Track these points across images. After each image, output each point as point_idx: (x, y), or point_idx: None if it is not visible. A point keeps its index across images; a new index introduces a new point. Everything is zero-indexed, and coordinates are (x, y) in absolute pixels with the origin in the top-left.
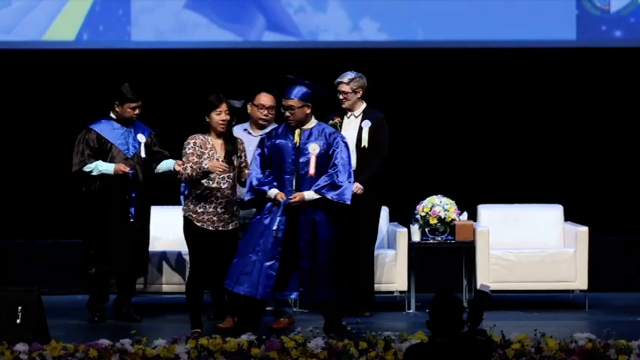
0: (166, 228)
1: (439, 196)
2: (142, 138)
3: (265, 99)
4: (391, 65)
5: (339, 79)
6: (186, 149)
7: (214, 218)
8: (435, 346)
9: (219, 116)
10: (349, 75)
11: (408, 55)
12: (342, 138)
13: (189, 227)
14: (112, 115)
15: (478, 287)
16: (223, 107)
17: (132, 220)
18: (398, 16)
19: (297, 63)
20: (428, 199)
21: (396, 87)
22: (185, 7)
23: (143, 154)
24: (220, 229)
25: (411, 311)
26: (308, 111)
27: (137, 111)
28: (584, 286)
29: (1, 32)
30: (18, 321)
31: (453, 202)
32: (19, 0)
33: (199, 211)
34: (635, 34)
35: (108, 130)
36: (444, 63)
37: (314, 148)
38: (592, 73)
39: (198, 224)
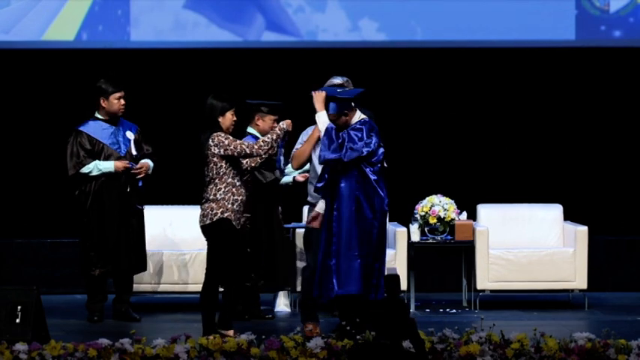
0: (165, 228)
1: (438, 195)
2: (130, 135)
3: None
4: (390, 65)
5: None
6: (230, 138)
7: (241, 216)
8: (379, 346)
9: (233, 117)
10: (336, 80)
11: (407, 54)
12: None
13: (228, 228)
14: (98, 115)
15: (386, 273)
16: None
17: (140, 207)
18: (397, 16)
19: (296, 63)
20: (427, 198)
21: (395, 87)
22: (184, 7)
23: (134, 152)
24: (241, 226)
25: (410, 311)
26: (346, 118)
27: (122, 101)
28: (584, 285)
29: (1, 32)
30: (17, 320)
31: (453, 201)
32: (19, 0)
33: (236, 209)
34: (634, 34)
35: (97, 130)
36: (443, 63)
37: None
38: (591, 73)
39: (234, 223)
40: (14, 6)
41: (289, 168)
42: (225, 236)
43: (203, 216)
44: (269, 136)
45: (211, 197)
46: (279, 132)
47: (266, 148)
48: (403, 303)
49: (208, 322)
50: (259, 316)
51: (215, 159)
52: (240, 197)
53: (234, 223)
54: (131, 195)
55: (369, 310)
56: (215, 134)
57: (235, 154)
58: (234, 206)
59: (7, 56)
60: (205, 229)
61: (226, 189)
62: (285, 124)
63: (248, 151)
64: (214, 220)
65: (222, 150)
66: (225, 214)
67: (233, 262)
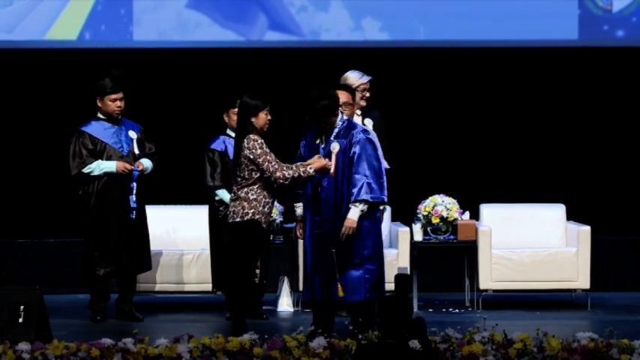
0: (168, 227)
1: (441, 195)
2: (133, 134)
3: (342, 97)
4: (393, 65)
5: (366, 78)
6: (264, 148)
7: (269, 218)
8: (385, 346)
9: (267, 116)
10: (355, 75)
11: (410, 54)
12: (365, 133)
13: (257, 229)
14: (100, 115)
15: (397, 272)
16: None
17: (133, 217)
18: (400, 16)
19: (299, 63)
20: (430, 198)
21: (397, 86)
22: (187, 6)
23: (137, 151)
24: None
25: (413, 311)
26: None
27: (118, 103)
28: (586, 285)
29: (3, 32)
30: (20, 320)
31: (455, 201)
32: None
33: (267, 212)
34: (637, 33)
35: (99, 130)
36: (446, 62)
37: (334, 147)
38: (594, 73)
39: (264, 226)
40: (17, 5)
41: None
42: (253, 237)
43: (233, 213)
44: (297, 172)
45: (243, 195)
46: (304, 174)
47: (287, 178)
48: (409, 302)
49: (239, 322)
50: (257, 315)
51: (247, 161)
52: (271, 200)
53: (263, 225)
54: (125, 205)
55: (375, 310)
56: (251, 137)
57: (262, 167)
58: (265, 208)
59: (9, 56)
60: (234, 227)
61: (259, 190)
62: (314, 169)
63: (271, 171)
64: (245, 219)
65: (251, 156)
66: (257, 216)
67: (253, 264)
